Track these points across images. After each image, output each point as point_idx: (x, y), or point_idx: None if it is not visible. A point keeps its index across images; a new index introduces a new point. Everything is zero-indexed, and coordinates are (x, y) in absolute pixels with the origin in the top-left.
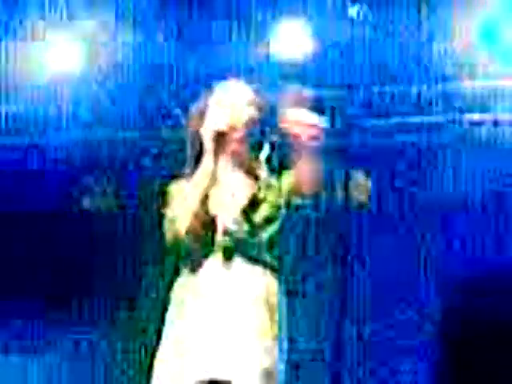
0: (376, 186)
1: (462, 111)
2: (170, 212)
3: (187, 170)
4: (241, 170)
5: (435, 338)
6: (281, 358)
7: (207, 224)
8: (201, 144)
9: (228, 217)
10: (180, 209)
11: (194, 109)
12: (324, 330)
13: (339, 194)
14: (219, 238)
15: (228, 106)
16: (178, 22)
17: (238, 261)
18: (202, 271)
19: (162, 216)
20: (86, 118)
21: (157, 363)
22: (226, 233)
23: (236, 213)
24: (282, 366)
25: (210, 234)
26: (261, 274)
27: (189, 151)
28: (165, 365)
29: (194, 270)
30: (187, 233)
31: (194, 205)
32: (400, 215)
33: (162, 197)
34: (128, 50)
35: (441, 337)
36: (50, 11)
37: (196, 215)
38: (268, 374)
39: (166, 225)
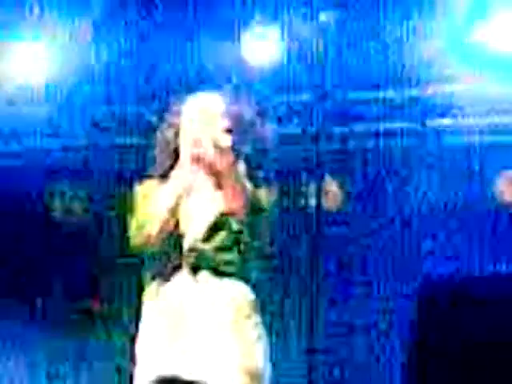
0: (347, 191)
1: (432, 116)
2: (138, 215)
3: (156, 174)
4: (215, 183)
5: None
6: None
7: (174, 237)
8: (175, 152)
9: (196, 232)
10: (149, 215)
11: (169, 116)
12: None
13: (311, 200)
14: (186, 252)
15: (207, 117)
16: (148, 24)
17: (205, 274)
18: (170, 283)
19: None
20: (56, 124)
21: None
22: (192, 249)
23: (204, 228)
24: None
25: (177, 248)
26: (228, 286)
27: (160, 157)
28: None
29: (161, 280)
30: (154, 241)
31: (163, 213)
32: (372, 220)
33: (128, 198)
34: (98, 53)
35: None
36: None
37: (164, 225)
38: (245, 376)
39: (133, 229)
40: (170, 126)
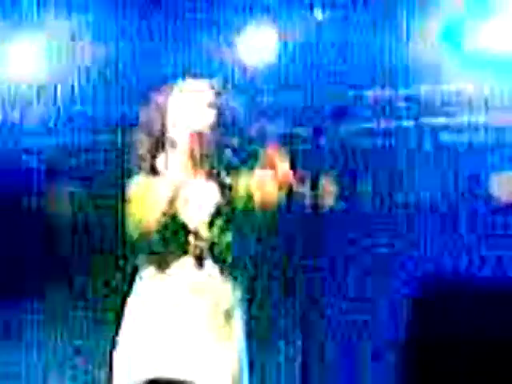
0: (343, 189)
1: (428, 115)
2: (135, 210)
3: (143, 167)
4: (205, 171)
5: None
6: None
7: (177, 225)
8: (162, 143)
9: (198, 220)
10: (147, 207)
11: (157, 97)
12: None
13: (307, 197)
14: (191, 241)
15: (198, 106)
16: (144, 23)
17: (209, 264)
18: (171, 271)
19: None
20: (52, 122)
21: (116, 356)
22: (197, 236)
23: (206, 215)
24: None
25: (181, 235)
26: (227, 279)
27: (144, 148)
28: (123, 359)
29: (161, 268)
30: (156, 232)
31: (162, 204)
32: (369, 218)
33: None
34: (93, 51)
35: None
36: (13, 12)
37: (165, 215)
38: (232, 376)
39: (132, 225)
40: (158, 106)
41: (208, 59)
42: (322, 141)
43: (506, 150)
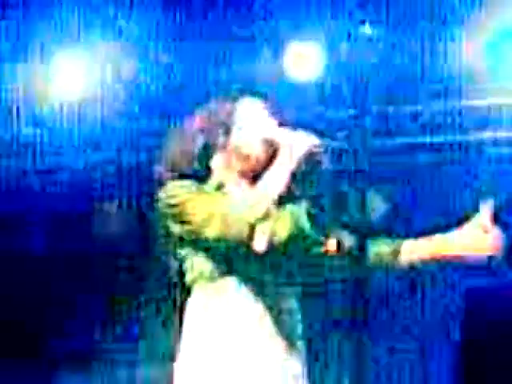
0: (391, 204)
1: (471, 130)
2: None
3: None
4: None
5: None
6: None
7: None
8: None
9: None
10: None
11: (219, 113)
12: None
13: (355, 215)
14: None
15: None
16: (189, 41)
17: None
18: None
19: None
20: (94, 141)
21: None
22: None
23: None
24: None
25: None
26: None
27: (190, 153)
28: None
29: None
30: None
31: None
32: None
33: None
34: (138, 71)
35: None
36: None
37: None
38: None
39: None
40: (221, 123)
41: (255, 76)
42: (370, 156)
43: None
